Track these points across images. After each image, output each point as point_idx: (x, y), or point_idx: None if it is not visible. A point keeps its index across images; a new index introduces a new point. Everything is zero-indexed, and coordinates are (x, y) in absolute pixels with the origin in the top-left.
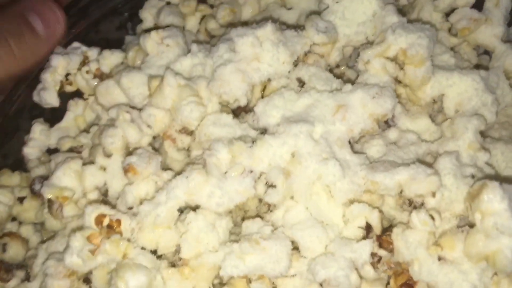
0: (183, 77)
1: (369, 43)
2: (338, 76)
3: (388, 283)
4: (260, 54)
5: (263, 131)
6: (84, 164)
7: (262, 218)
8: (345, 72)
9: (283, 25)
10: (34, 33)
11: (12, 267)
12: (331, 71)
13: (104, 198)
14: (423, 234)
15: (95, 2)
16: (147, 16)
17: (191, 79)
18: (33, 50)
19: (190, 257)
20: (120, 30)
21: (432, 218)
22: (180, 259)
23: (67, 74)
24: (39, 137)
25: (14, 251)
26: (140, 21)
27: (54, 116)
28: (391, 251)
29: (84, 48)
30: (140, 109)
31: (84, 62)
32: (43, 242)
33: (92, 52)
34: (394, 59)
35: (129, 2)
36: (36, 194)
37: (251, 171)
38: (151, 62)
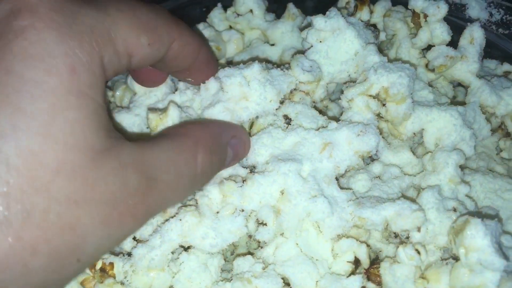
0: (184, 110)
1: (352, 81)
2: (321, 110)
3: None
4: (248, 93)
5: (252, 169)
6: None
7: (252, 254)
8: (328, 105)
9: (268, 63)
10: (222, 167)
11: None
12: (315, 106)
13: None
14: (410, 268)
15: None
16: None
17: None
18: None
19: None
20: None
21: (418, 252)
22: None
23: None
24: None
25: None
26: None
27: None
28: (379, 283)
29: None
30: None
31: None
32: None
33: None
34: (376, 97)
35: None
36: None
37: (242, 210)
38: (139, 101)
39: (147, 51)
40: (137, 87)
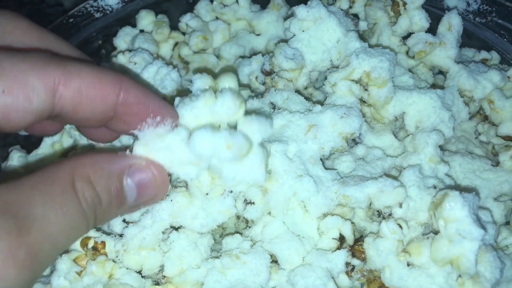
0: None
1: (335, 67)
2: (306, 98)
3: None
4: None
5: None
6: None
7: (241, 234)
8: (313, 93)
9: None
10: (119, 203)
11: None
12: (299, 93)
13: None
14: (393, 242)
15: (70, 31)
16: (121, 43)
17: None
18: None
19: (174, 274)
20: (93, 58)
21: (400, 227)
22: (164, 277)
23: None
24: (16, 164)
25: None
26: (114, 49)
27: (28, 143)
28: (363, 259)
29: None
30: None
31: None
32: None
33: None
34: (358, 81)
35: (103, 30)
36: None
37: (231, 191)
38: None
39: (4, 100)
40: (119, 70)
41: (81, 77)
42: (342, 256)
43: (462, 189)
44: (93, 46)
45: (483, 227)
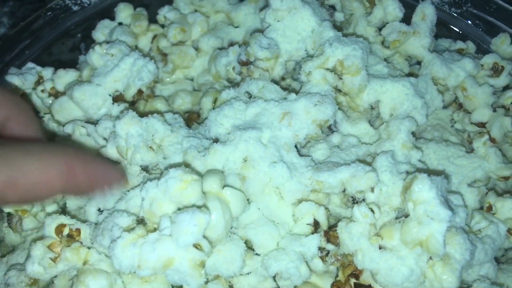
0: None
1: (310, 57)
2: (284, 89)
3: (337, 275)
4: None
5: (215, 141)
6: None
7: None
8: (291, 84)
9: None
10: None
11: None
12: (277, 83)
13: (64, 210)
14: (365, 226)
15: (48, 25)
16: (100, 36)
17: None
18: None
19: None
20: (73, 52)
21: (372, 211)
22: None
23: (22, 94)
24: None
25: None
26: (93, 42)
27: None
28: (338, 245)
29: (38, 68)
30: (95, 123)
31: (39, 81)
32: (2, 256)
33: (47, 72)
34: (333, 70)
35: (82, 24)
36: None
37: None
38: (98, 72)
39: None
40: (96, 61)
41: (27, 177)
42: (315, 240)
43: (431, 172)
44: (72, 40)
45: (451, 208)
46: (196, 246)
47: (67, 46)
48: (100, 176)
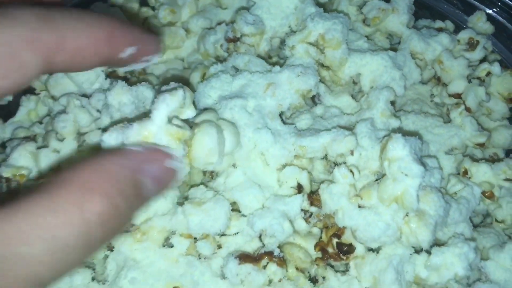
0: None
1: (293, 33)
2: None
3: (320, 237)
4: None
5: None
6: (38, 148)
7: (206, 186)
8: (278, 62)
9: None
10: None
11: None
12: (263, 59)
13: None
14: (345, 187)
15: None
16: None
17: None
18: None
19: (141, 222)
20: None
21: (352, 172)
22: (132, 225)
23: None
24: None
25: None
26: None
27: (5, 112)
28: (320, 207)
29: None
30: (89, 96)
31: None
32: None
33: None
34: (315, 45)
35: (78, 6)
36: None
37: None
38: None
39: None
40: None
41: (75, 39)
42: (298, 200)
43: (406, 133)
44: None
45: (423, 165)
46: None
47: None
48: (143, 45)
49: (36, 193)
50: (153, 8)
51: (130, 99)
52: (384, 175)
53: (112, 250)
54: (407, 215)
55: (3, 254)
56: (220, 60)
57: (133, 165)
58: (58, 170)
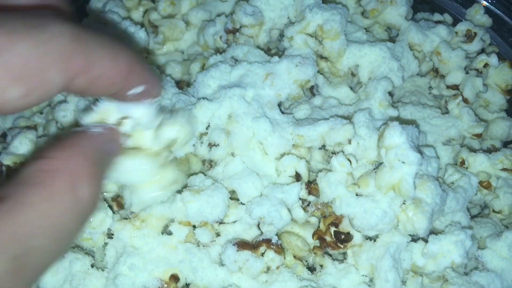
0: None
1: (292, 24)
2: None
3: (318, 226)
4: None
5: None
6: (39, 137)
7: (205, 174)
8: (277, 53)
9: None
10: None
11: None
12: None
13: None
14: (342, 175)
15: None
16: (94, 9)
17: None
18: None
19: (140, 209)
20: None
21: (349, 161)
22: (132, 213)
23: None
24: None
25: None
26: (87, 15)
27: None
28: (318, 196)
29: None
30: None
31: None
32: None
33: None
34: (314, 35)
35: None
36: None
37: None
38: None
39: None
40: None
41: (100, 67)
42: (296, 188)
43: (404, 122)
44: None
45: (420, 152)
46: None
47: None
48: (150, 86)
49: (30, 185)
50: (153, 1)
51: None
52: (381, 164)
53: (111, 238)
54: (404, 203)
55: (17, 253)
56: (219, 51)
57: (101, 145)
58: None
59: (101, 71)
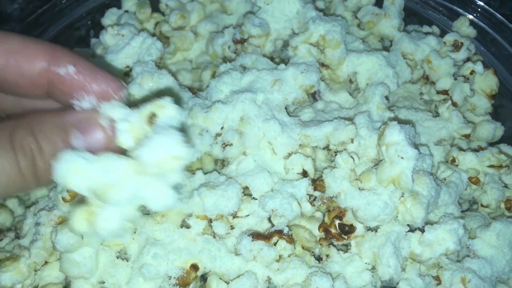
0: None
1: (296, 34)
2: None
3: (323, 220)
4: None
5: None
6: None
7: (219, 172)
8: (281, 62)
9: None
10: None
11: (2, 230)
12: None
13: None
14: (346, 171)
15: (55, 19)
16: (108, 22)
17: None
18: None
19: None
20: (78, 44)
21: (352, 158)
22: None
23: None
24: None
25: (3, 218)
26: (102, 28)
27: None
28: (323, 191)
29: None
30: None
31: None
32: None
33: None
34: (316, 45)
35: (88, 15)
36: None
37: (207, 131)
38: (111, 50)
39: None
40: (108, 41)
41: (7, 43)
42: (304, 183)
43: (400, 123)
44: (78, 33)
45: (417, 149)
46: None
47: (76, 37)
48: (90, 76)
49: None
50: (163, 14)
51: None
52: (381, 161)
53: (134, 233)
54: (403, 196)
55: None
56: (227, 60)
57: (69, 119)
58: None
59: (9, 50)
